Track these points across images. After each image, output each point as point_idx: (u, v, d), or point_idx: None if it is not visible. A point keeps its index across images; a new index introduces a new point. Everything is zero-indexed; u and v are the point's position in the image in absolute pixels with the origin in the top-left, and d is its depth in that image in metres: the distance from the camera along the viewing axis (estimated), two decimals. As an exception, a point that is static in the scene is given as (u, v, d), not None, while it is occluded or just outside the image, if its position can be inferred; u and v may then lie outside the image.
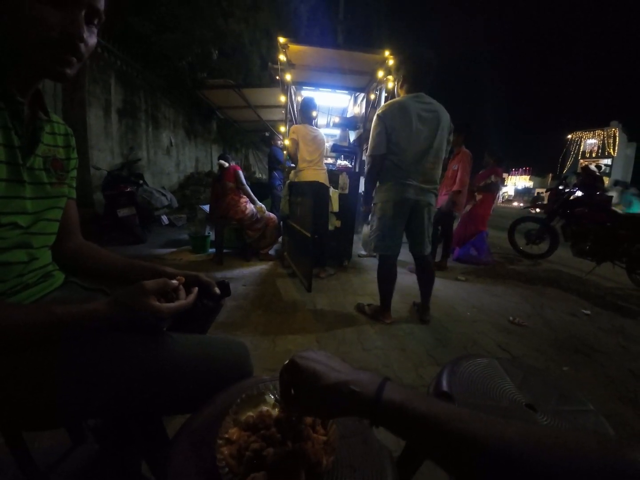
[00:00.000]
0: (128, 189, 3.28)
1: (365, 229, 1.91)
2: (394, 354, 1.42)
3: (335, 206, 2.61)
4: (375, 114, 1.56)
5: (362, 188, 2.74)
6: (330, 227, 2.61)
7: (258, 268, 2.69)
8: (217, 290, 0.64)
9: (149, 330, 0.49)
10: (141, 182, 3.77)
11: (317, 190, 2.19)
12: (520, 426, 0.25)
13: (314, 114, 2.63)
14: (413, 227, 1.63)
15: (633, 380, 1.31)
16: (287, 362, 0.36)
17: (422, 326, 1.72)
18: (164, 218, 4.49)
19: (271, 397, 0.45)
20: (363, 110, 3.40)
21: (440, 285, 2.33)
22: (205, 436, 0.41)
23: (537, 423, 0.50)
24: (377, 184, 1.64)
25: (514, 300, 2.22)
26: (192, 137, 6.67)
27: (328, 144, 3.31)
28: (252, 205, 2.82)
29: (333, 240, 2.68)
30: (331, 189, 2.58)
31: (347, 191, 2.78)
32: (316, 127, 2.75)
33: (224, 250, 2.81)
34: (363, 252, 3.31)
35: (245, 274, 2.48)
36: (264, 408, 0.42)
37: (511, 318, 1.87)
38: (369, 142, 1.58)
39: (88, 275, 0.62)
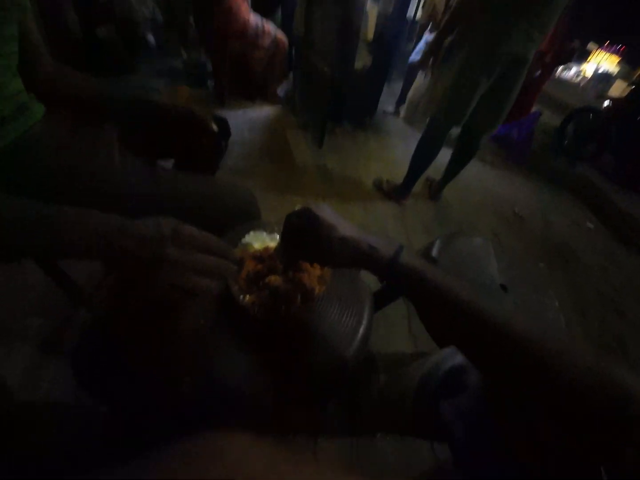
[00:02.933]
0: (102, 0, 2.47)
1: (420, 81, 1.42)
2: (391, 221, 1.54)
3: (370, 33, 2.00)
4: None
5: (411, 11, 1.98)
6: (358, 66, 2.11)
7: (265, 112, 2.42)
8: (214, 126, 0.59)
9: None
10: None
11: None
12: (525, 317, 0.29)
13: None
14: (493, 94, 1.26)
15: (597, 297, 1.45)
16: (298, 207, 0.38)
17: (426, 200, 1.76)
18: (151, 38, 3.57)
19: (276, 237, 0.51)
20: None
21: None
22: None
23: (505, 302, 0.59)
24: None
25: (528, 195, 2.18)
26: None
27: None
28: (256, 15, 2.14)
29: (357, 87, 2.22)
30: (369, 3, 1.89)
31: (390, 10, 2.05)
32: None
33: (225, 86, 2.42)
34: (390, 109, 2.88)
35: (251, 118, 2.27)
36: (271, 244, 0.49)
37: (516, 210, 1.90)
38: None
39: (67, 105, 0.55)
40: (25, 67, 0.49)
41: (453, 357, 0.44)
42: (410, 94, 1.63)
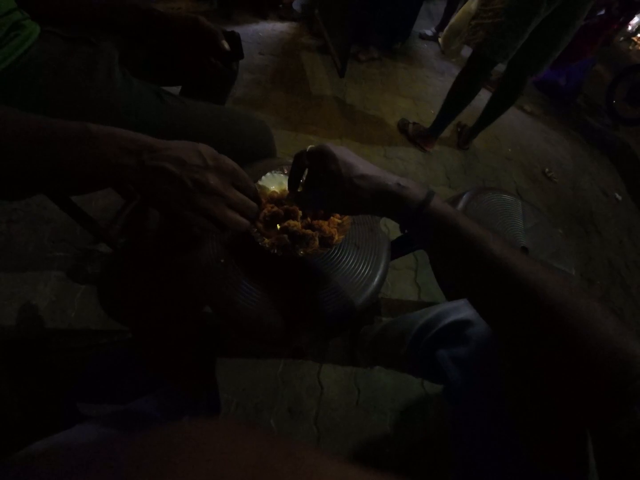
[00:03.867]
0: None
1: (471, 6, 1.14)
2: (412, 167, 1.45)
3: None
4: None
5: None
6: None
7: (278, 30, 2.10)
8: (225, 44, 0.51)
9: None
10: None
11: None
12: (555, 274, 0.27)
13: None
14: (548, 27, 1.05)
15: (606, 268, 1.41)
16: (311, 147, 0.35)
17: (452, 149, 1.62)
18: None
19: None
20: None
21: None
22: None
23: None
24: None
25: (562, 155, 1.97)
26: None
27: None
28: None
29: (390, 3, 1.84)
30: None
31: None
32: None
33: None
34: (428, 33, 2.45)
35: (262, 38, 1.98)
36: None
37: (547, 170, 1.75)
38: None
39: (63, 23, 0.49)
40: None
41: (457, 311, 0.44)
42: (453, 18, 1.34)
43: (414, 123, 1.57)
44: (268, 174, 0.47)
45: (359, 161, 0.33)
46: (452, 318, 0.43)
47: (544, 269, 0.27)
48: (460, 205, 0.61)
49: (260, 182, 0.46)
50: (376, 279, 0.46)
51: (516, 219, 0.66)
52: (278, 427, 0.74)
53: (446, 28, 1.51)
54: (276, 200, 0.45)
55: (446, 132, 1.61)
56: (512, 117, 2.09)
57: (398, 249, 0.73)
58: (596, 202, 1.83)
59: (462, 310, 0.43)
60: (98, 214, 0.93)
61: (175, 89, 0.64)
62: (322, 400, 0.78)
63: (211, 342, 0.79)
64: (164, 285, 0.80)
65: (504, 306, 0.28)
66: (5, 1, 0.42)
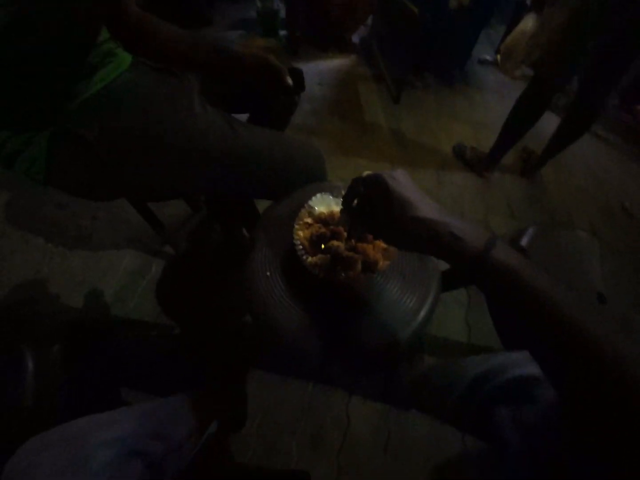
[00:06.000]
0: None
1: (528, 25, 1.10)
2: (469, 195, 1.36)
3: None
4: None
5: None
6: (453, 3, 1.75)
7: (337, 63, 2.25)
8: (289, 80, 0.56)
9: None
10: None
11: None
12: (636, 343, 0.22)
13: None
14: (619, 47, 0.96)
15: None
16: (368, 173, 0.34)
17: (516, 176, 1.48)
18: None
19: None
20: None
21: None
22: (284, 220, 0.50)
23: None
24: None
25: None
26: None
27: None
28: None
29: (449, 30, 1.85)
30: None
31: None
32: None
33: (298, 34, 2.28)
34: (488, 58, 2.39)
35: (321, 70, 2.14)
36: (336, 209, 0.47)
37: (627, 204, 1.48)
38: None
39: (152, 55, 0.57)
40: (112, 15, 0.51)
41: (522, 364, 0.38)
42: (509, 38, 1.29)
43: (472, 147, 1.49)
44: (318, 195, 0.49)
45: (416, 197, 0.31)
46: (517, 372, 0.38)
47: (625, 337, 0.23)
48: (524, 241, 0.55)
49: (310, 202, 0.48)
50: (422, 314, 0.43)
51: (592, 262, 0.57)
52: (298, 454, 0.70)
53: (502, 46, 1.46)
54: (324, 221, 0.46)
55: (509, 159, 1.49)
56: (586, 144, 1.86)
57: (449, 280, 0.68)
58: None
59: (529, 364, 0.38)
60: (168, 220, 1.06)
61: (244, 116, 0.73)
62: (348, 434, 0.73)
63: (246, 353, 0.81)
64: (214, 290, 0.86)
65: (568, 370, 0.24)
66: (102, 32, 0.50)
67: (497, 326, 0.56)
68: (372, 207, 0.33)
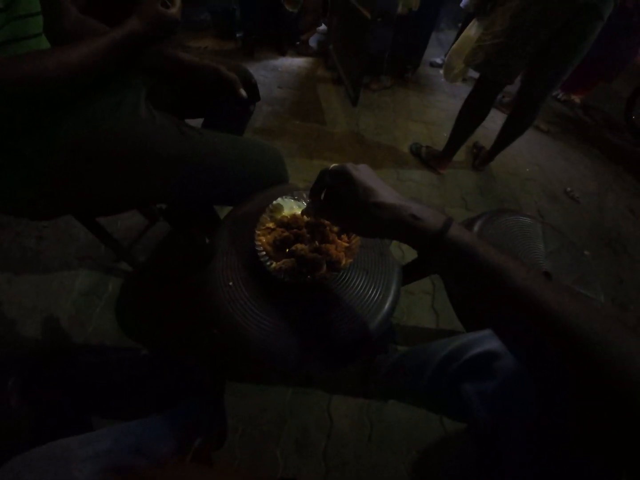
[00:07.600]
0: None
1: (471, 31, 1.21)
2: (426, 189, 1.45)
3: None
4: None
5: None
6: (402, 9, 1.85)
7: (295, 65, 2.27)
8: (243, 92, 0.56)
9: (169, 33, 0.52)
10: None
11: None
12: (584, 303, 0.25)
13: None
14: (556, 47, 1.07)
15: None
16: (334, 165, 0.36)
17: (467, 170, 1.61)
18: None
19: (303, 205, 0.50)
20: None
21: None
22: (245, 225, 0.49)
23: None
24: None
25: (584, 173, 1.91)
26: None
27: None
28: None
29: (401, 34, 1.95)
30: None
31: None
32: None
33: (254, 37, 2.25)
34: (438, 61, 2.56)
35: (280, 72, 2.14)
36: (298, 212, 0.48)
37: (569, 189, 1.69)
38: None
39: None
40: (50, 21, 0.47)
41: (483, 342, 0.42)
42: (455, 44, 1.41)
43: (427, 146, 1.59)
44: (279, 199, 0.49)
45: (378, 185, 0.33)
46: (477, 350, 0.41)
47: (572, 299, 0.26)
48: (475, 229, 0.60)
49: (271, 206, 0.48)
50: (387, 304, 0.45)
51: (536, 242, 0.63)
52: (284, 460, 0.70)
53: (448, 53, 1.58)
54: (287, 224, 0.47)
55: (460, 155, 1.61)
56: (529, 137, 2.07)
57: (413, 272, 0.72)
58: (624, 221, 1.73)
59: (488, 341, 0.41)
60: (122, 233, 0.99)
61: (199, 121, 0.71)
62: (332, 434, 0.74)
63: (221, 365, 0.79)
64: (179, 303, 0.82)
65: (529, 340, 0.27)
66: (42, 46, 0.46)
67: (456, 310, 0.61)
68: (338, 197, 0.35)
